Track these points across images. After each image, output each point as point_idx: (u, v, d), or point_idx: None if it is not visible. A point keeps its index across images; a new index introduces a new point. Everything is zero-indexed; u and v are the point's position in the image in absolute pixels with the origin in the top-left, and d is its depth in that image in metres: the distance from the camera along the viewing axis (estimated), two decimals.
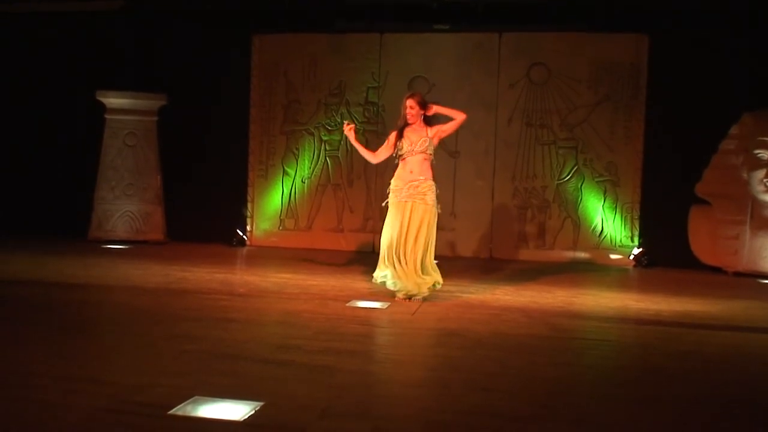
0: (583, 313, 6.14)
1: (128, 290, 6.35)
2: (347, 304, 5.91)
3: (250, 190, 10.26)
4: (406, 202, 6.00)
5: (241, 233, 10.16)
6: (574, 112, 9.52)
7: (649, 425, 3.29)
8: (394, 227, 5.98)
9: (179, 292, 6.32)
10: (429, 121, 6.13)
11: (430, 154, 6.09)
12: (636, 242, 9.37)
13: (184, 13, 10.10)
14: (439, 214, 6.14)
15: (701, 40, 9.04)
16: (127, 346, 4.41)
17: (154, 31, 10.23)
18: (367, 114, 9.98)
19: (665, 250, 9.19)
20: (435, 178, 6.14)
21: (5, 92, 10.47)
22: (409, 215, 5.97)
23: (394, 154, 6.15)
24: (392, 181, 6.13)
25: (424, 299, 6.08)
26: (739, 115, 8.62)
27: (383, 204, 6.23)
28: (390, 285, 6.06)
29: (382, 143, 6.35)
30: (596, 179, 9.49)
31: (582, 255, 9.49)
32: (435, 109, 6.15)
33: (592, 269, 9.02)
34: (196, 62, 10.19)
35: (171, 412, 3.14)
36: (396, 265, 5.94)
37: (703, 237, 8.89)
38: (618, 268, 9.14)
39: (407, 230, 5.95)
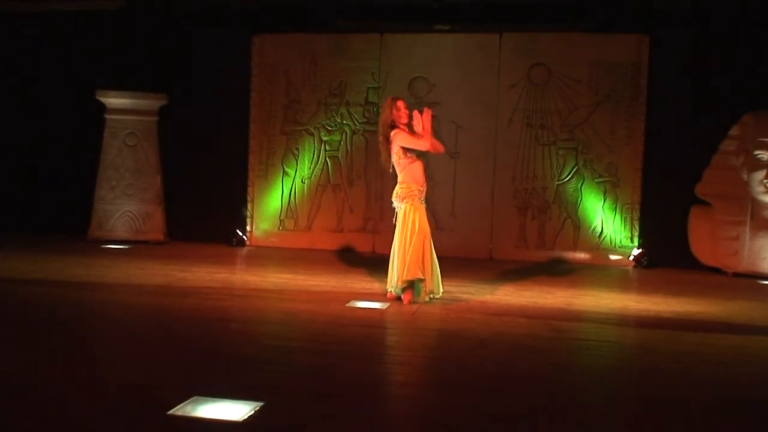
0: (583, 314, 6.14)
1: (128, 290, 6.35)
2: (347, 305, 5.91)
3: (250, 190, 10.24)
4: (421, 203, 6.08)
5: (240, 233, 10.15)
6: (575, 113, 9.50)
7: (649, 426, 3.29)
8: (426, 230, 6.00)
9: (179, 292, 6.32)
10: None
11: None
12: (636, 243, 9.35)
13: (184, 13, 10.09)
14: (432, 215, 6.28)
15: (701, 40, 9.03)
16: (127, 346, 4.42)
17: (154, 31, 10.22)
18: (367, 114, 9.96)
19: (665, 251, 9.17)
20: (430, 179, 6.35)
21: (5, 92, 10.46)
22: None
23: (405, 156, 6.07)
24: (412, 185, 6.03)
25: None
26: (739, 116, 8.62)
27: (393, 219, 6.20)
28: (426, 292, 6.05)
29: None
30: (596, 180, 9.47)
31: (582, 256, 9.48)
32: (415, 121, 6.12)
33: (592, 270, 9.01)
34: (196, 62, 10.17)
35: (170, 412, 3.14)
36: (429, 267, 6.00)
37: (703, 238, 8.88)
38: (618, 269, 9.13)
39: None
